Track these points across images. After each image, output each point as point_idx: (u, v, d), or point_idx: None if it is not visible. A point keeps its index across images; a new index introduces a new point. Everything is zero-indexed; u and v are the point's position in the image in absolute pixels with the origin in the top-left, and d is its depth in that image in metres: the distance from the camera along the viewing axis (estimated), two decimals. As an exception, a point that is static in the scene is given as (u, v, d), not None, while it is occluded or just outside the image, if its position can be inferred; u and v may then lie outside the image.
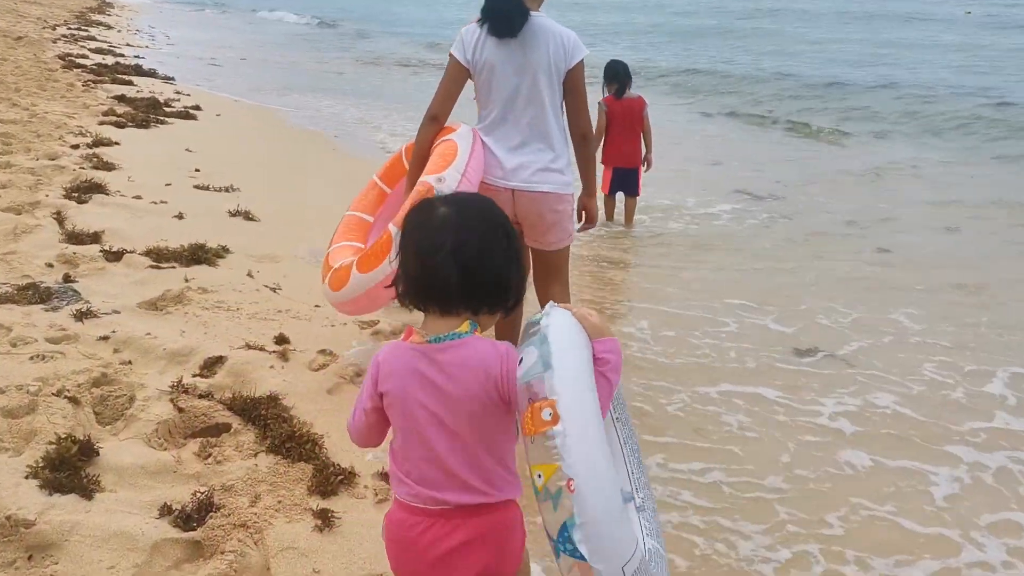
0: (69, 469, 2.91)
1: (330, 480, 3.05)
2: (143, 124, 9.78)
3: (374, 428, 1.97)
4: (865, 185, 9.93)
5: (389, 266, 3.42)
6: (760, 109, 15.55)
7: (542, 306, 4.02)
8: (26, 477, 2.87)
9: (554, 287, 3.87)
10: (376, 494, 3.09)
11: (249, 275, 5.11)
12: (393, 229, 3.56)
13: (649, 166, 7.75)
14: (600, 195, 7.56)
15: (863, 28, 32.89)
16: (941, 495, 3.54)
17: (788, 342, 5.05)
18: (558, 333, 1.75)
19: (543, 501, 1.66)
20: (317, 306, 4.80)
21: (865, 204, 8.83)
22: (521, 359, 1.75)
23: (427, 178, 3.51)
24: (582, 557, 1.59)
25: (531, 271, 3.89)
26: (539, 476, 1.65)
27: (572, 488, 1.59)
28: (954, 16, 38.09)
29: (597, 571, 1.59)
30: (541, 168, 3.61)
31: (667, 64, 21.51)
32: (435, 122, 3.66)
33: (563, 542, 1.60)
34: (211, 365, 3.89)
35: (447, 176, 3.46)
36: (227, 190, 7.20)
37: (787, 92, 16.94)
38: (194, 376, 3.79)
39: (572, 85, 3.63)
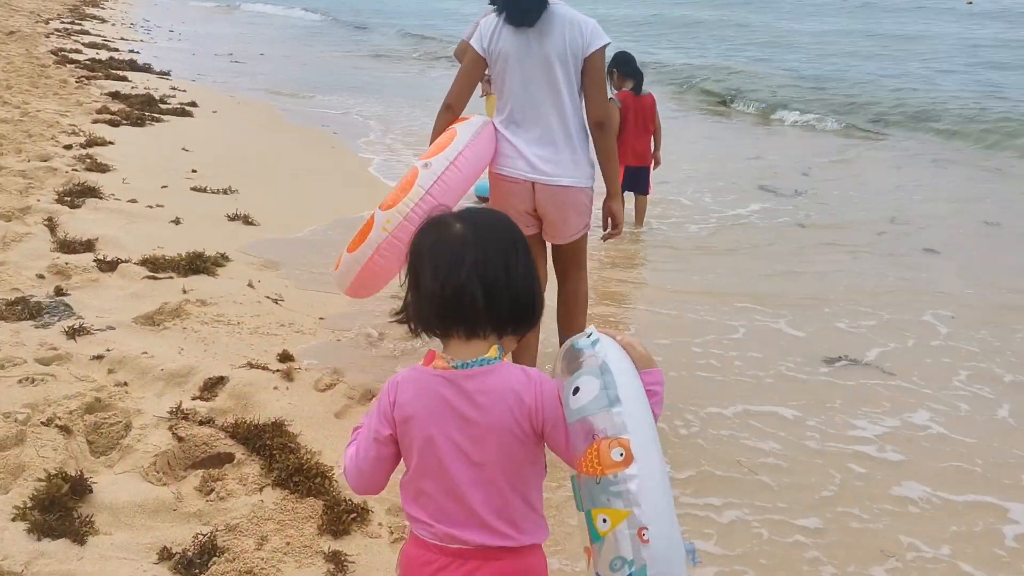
0: (60, 510, 2.69)
1: (342, 518, 2.83)
2: (138, 122, 9.53)
3: (382, 463, 1.74)
4: (889, 180, 9.66)
5: (370, 249, 3.47)
6: (766, 101, 15.25)
7: (562, 293, 3.95)
8: (13, 519, 2.66)
9: (572, 272, 3.87)
10: (391, 532, 2.87)
11: (250, 285, 4.88)
12: (378, 212, 3.51)
13: (657, 164, 7.55)
14: None
15: (864, 19, 32.63)
16: (1014, 534, 3.19)
17: (809, 351, 4.81)
18: (618, 362, 1.58)
19: (605, 548, 1.48)
20: (321, 319, 4.58)
21: (891, 200, 8.59)
22: (577, 388, 1.56)
23: (416, 162, 3.54)
24: None
25: (548, 260, 3.90)
26: (604, 521, 1.48)
27: (645, 538, 1.44)
28: (957, 8, 37.84)
29: None
30: (559, 161, 3.54)
31: (665, 57, 21.23)
32: (449, 111, 3.65)
33: None
34: (212, 387, 3.66)
35: (434, 163, 3.45)
36: (225, 192, 6.97)
37: (789, 84, 16.67)
38: (194, 399, 3.57)
39: (589, 72, 3.51)
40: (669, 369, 4.47)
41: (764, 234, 7.36)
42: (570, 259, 3.83)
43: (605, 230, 3.86)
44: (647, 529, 1.44)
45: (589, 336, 1.63)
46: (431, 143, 3.66)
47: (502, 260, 1.64)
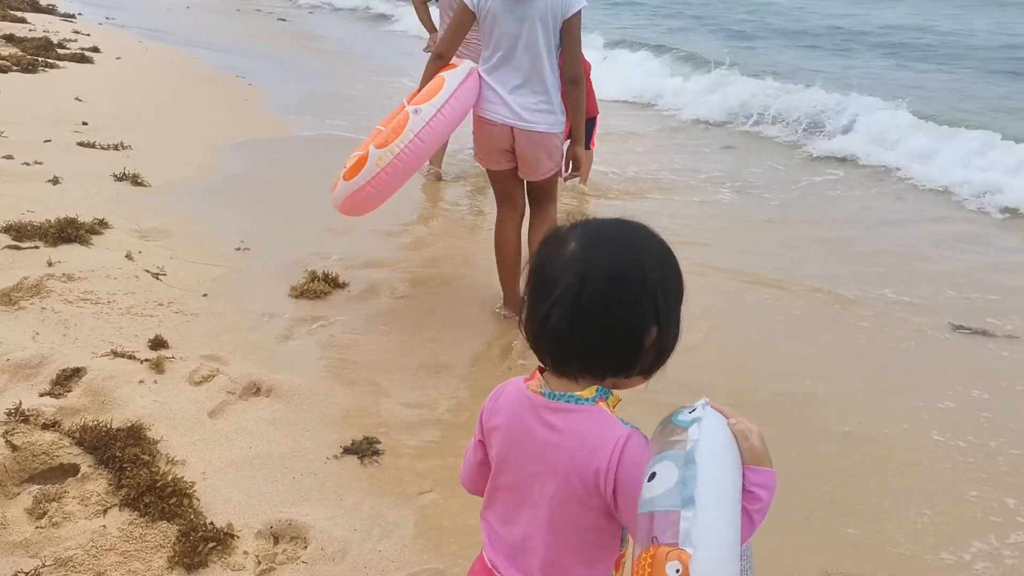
0: None
1: (198, 548, 2.41)
2: (29, 68, 8.74)
3: (482, 470, 1.56)
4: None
5: (363, 179, 3.81)
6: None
7: (533, 217, 4.15)
8: None
9: (545, 203, 4.25)
10: (258, 563, 2.45)
11: (128, 257, 4.35)
12: (372, 150, 3.83)
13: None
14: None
15: None
16: None
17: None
18: (711, 455, 1.26)
19: None
20: (205, 295, 4.10)
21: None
22: (654, 474, 1.25)
23: (408, 107, 3.90)
24: None
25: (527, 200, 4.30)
26: None
27: None
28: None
29: None
30: (537, 109, 3.96)
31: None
32: (440, 59, 4.06)
33: None
34: (65, 380, 3.18)
35: (423, 109, 3.85)
36: (116, 148, 6.35)
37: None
38: (42, 395, 3.08)
39: (567, 33, 3.89)
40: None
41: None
42: (543, 194, 4.24)
43: (566, 171, 4.27)
44: None
45: (693, 411, 1.30)
46: (420, 86, 4.04)
47: (608, 286, 1.32)
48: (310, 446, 3.04)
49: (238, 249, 4.76)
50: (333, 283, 4.38)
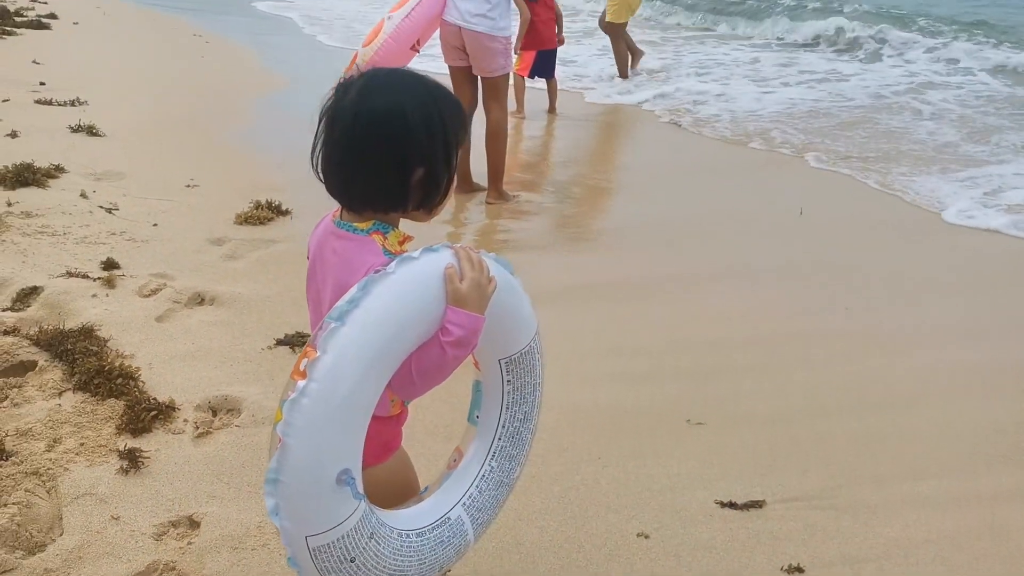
0: None
1: (141, 416, 2.77)
2: (-13, 36, 8.95)
3: None
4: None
5: (380, 44, 4.65)
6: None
7: (487, 124, 5.19)
8: None
9: (492, 105, 5.27)
10: (196, 428, 2.82)
11: (83, 196, 4.66)
12: (361, 49, 4.76)
13: (561, 43, 7.87)
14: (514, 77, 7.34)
15: None
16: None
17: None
18: (387, 292, 1.45)
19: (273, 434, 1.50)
20: (155, 225, 4.42)
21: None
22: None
23: (385, 14, 4.82)
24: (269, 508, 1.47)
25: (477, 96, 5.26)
26: (277, 412, 1.48)
27: (278, 447, 1.44)
28: None
29: (279, 527, 1.46)
30: (478, 14, 4.94)
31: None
32: None
33: (266, 482, 1.47)
34: (24, 297, 3.52)
35: (395, 16, 4.74)
36: (73, 103, 6.62)
37: None
38: (4, 311, 3.42)
39: None
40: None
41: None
42: (490, 93, 5.24)
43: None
44: (282, 440, 1.42)
45: (422, 250, 1.51)
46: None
47: (368, 136, 1.52)
48: (247, 341, 3.39)
49: (188, 186, 5.08)
50: (276, 210, 4.71)
